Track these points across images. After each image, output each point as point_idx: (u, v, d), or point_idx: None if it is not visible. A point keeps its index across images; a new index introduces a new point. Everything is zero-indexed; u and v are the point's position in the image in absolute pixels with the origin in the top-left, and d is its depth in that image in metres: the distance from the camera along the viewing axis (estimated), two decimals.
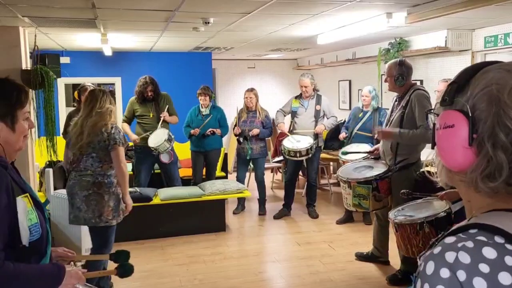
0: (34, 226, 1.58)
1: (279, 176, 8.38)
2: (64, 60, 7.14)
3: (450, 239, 0.77)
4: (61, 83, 7.38)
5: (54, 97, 5.21)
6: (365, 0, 3.78)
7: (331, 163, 7.86)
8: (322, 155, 7.08)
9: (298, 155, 5.73)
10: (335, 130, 6.81)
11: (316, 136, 5.88)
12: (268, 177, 7.40)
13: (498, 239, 0.74)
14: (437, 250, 0.76)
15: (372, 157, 4.40)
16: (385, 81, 4.16)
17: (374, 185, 3.95)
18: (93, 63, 7.73)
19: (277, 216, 6.16)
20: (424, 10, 3.94)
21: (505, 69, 0.80)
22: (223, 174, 7.00)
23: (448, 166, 0.84)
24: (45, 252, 1.67)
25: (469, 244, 0.74)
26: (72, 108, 5.98)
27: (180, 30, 5.34)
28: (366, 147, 5.38)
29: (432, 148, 0.89)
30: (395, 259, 4.25)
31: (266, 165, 6.82)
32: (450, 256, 0.74)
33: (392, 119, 4.06)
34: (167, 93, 5.99)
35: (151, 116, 5.78)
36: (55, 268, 1.65)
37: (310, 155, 5.76)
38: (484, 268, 0.71)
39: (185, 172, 6.73)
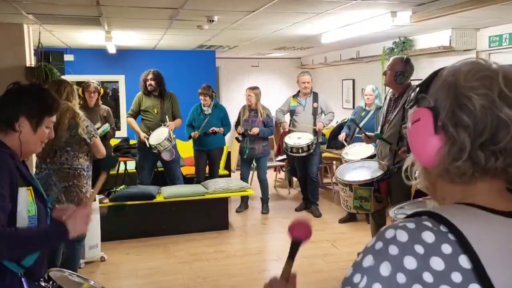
0: (31, 218, 1.67)
1: (282, 175, 8.37)
2: (68, 57, 7.14)
3: (398, 221, 0.81)
4: None
5: None
6: None
7: (334, 162, 7.85)
8: (326, 154, 7.09)
9: (300, 151, 5.89)
10: (338, 129, 6.81)
11: (315, 132, 5.99)
12: (271, 176, 7.40)
13: (443, 228, 0.77)
14: (383, 228, 0.81)
15: (374, 153, 4.39)
16: (384, 73, 4.11)
17: (375, 187, 3.94)
18: (97, 61, 7.74)
19: (299, 209, 6.37)
20: (429, 9, 3.92)
21: (456, 66, 0.86)
22: (226, 172, 7.00)
23: (421, 161, 0.87)
24: None
25: (411, 225, 0.78)
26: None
27: (184, 28, 5.34)
28: (369, 147, 5.35)
29: (408, 152, 0.91)
30: None
31: (269, 164, 6.82)
32: (389, 233, 0.78)
33: (391, 120, 4.04)
34: (173, 93, 5.97)
35: (155, 112, 5.77)
36: (56, 226, 1.61)
37: (311, 151, 5.89)
38: (419, 249, 0.74)
39: (188, 170, 6.74)
